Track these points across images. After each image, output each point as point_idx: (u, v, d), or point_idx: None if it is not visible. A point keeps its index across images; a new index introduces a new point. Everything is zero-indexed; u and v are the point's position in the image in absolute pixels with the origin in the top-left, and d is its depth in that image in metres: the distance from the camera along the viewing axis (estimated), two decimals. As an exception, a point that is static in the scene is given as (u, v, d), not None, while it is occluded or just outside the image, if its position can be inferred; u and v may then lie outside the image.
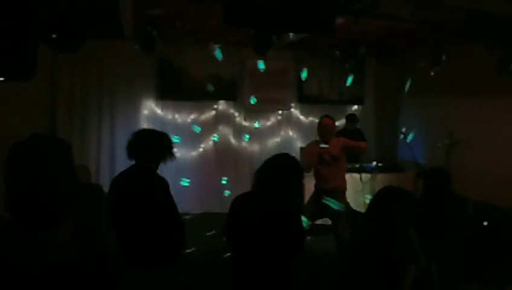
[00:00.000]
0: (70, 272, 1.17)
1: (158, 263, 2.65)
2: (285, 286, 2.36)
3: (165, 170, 7.55)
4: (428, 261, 2.19)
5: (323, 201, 4.48)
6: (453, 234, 2.80)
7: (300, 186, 2.55)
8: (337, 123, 7.74)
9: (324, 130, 4.60)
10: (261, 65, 6.50)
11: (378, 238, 1.39)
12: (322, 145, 4.55)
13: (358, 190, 5.89)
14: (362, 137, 6.53)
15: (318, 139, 4.70)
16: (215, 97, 7.07)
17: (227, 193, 6.85)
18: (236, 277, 2.52)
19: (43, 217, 1.16)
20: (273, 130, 7.50)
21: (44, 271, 1.12)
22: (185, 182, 6.74)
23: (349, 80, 6.39)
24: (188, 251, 5.08)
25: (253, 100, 6.97)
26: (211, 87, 6.46)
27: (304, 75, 6.81)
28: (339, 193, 4.63)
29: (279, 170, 2.48)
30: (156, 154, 2.82)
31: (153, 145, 2.80)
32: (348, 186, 4.88)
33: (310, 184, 4.70)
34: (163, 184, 2.74)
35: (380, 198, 2.28)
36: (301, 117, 7.63)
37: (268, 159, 2.58)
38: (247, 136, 7.25)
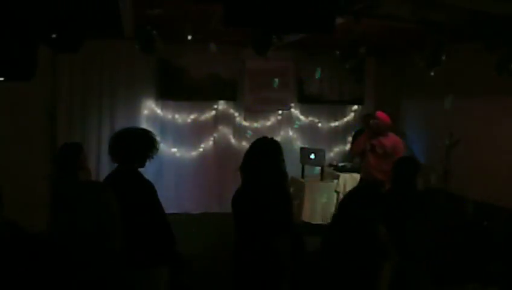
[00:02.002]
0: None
1: (145, 264, 2.64)
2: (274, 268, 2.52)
3: (165, 170, 7.53)
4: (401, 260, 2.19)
5: None
6: (432, 231, 2.78)
7: (278, 165, 2.69)
8: (336, 123, 7.84)
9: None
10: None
11: (347, 237, 1.39)
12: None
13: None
14: None
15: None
16: (215, 97, 7.07)
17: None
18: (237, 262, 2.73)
19: None
20: (273, 130, 7.50)
21: None
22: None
23: (318, 74, 6.99)
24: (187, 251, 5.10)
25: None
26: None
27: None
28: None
29: (254, 157, 2.71)
30: (139, 155, 2.77)
31: (136, 146, 2.75)
32: (348, 186, 4.95)
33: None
34: (149, 187, 2.73)
35: (348, 197, 2.32)
36: (301, 117, 7.63)
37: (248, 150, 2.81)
38: (250, 132, 7.27)
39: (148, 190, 2.72)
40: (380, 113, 5.14)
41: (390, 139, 5.08)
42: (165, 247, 2.75)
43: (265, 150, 2.71)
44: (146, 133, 2.84)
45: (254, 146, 2.76)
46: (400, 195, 3.36)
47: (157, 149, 2.83)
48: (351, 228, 1.43)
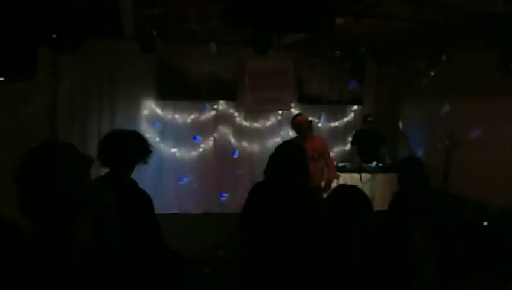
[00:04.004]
0: (88, 270, 1.21)
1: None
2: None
3: (165, 170, 7.51)
4: None
5: None
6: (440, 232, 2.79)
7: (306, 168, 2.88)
8: (336, 123, 7.83)
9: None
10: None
11: (381, 245, 1.35)
12: None
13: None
14: (379, 141, 6.63)
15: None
16: (215, 97, 7.07)
17: (224, 195, 7.04)
18: (253, 261, 2.75)
19: (58, 217, 1.22)
20: (273, 130, 7.49)
21: (62, 270, 1.17)
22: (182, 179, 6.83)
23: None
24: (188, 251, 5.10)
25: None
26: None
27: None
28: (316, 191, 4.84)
29: (289, 158, 2.82)
30: (129, 160, 2.55)
31: (125, 150, 2.51)
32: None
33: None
34: (145, 198, 2.51)
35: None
36: (301, 117, 7.62)
37: (277, 148, 2.91)
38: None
39: (143, 202, 2.49)
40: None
41: (319, 140, 5.18)
42: (155, 265, 2.61)
43: (298, 155, 2.85)
44: (141, 137, 2.64)
45: (284, 149, 2.89)
46: (410, 194, 3.39)
47: (149, 155, 2.61)
48: (386, 238, 1.38)
